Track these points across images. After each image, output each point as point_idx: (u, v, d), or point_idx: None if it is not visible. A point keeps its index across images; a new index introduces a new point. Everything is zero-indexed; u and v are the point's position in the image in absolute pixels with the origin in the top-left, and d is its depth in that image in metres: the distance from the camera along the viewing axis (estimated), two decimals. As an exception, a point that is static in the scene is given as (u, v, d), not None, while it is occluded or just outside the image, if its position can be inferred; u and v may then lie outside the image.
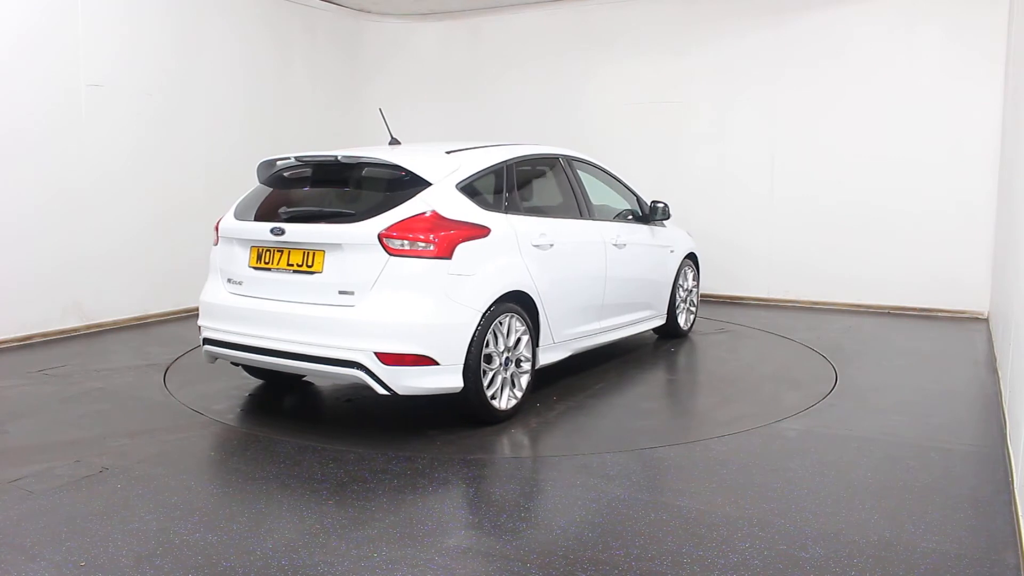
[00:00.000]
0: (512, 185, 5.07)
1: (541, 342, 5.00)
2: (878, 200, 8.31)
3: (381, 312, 4.23)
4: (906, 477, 3.86)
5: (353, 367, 4.25)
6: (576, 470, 3.95)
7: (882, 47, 8.18)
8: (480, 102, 10.26)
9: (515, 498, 3.65)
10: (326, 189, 4.88)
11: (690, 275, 7.11)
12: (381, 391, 4.24)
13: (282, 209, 4.73)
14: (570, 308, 5.30)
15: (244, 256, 4.73)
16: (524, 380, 4.83)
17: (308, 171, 4.97)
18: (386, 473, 3.98)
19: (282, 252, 4.56)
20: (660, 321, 6.68)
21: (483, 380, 4.48)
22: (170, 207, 7.82)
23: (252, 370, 5.42)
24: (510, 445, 4.42)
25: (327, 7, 9.73)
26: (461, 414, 4.64)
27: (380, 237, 4.26)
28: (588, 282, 5.52)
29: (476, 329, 4.42)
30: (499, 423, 4.64)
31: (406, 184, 4.52)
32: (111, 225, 7.38)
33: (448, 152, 4.95)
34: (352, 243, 4.32)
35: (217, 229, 4.95)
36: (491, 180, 4.96)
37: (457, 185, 4.63)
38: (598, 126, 9.59)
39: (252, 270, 4.68)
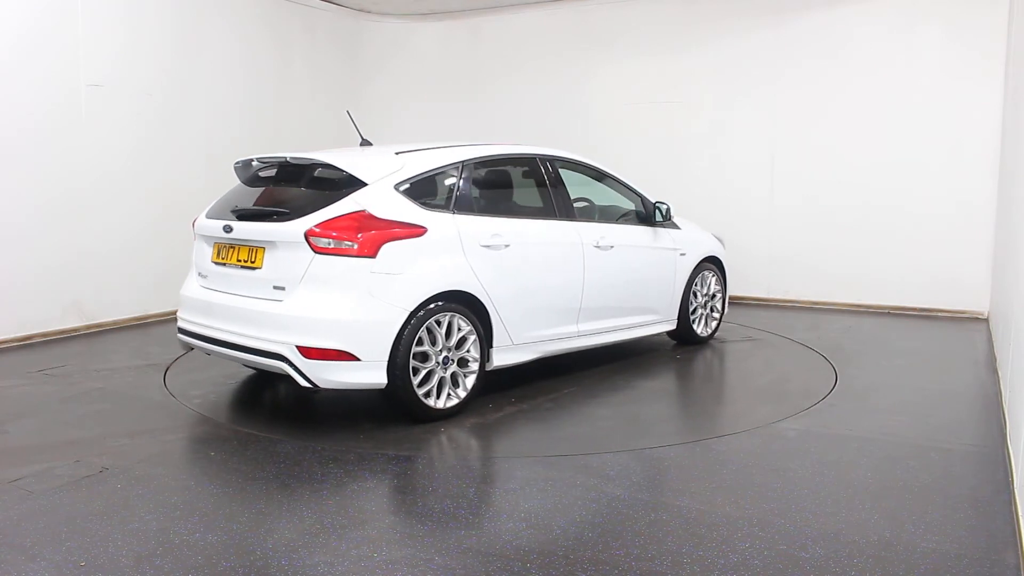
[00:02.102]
0: (465, 185, 5.06)
1: (496, 343, 4.99)
2: (878, 200, 8.31)
3: (304, 307, 4.40)
4: (906, 477, 3.86)
5: (278, 359, 4.43)
6: (576, 470, 3.95)
7: (882, 47, 8.18)
8: (480, 102, 10.26)
9: (515, 499, 3.65)
10: (277, 188, 5.07)
11: (711, 280, 6.81)
12: (303, 383, 4.39)
13: (234, 207, 4.96)
14: (534, 310, 5.22)
15: (209, 252, 5.01)
16: (470, 380, 4.83)
17: (266, 171, 5.18)
18: (386, 473, 3.99)
19: (234, 248, 4.82)
20: (667, 326, 6.47)
21: (414, 378, 4.54)
22: (170, 207, 7.81)
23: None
24: (449, 444, 4.44)
25: (327, 7, 9.73)
26: (394, 410, 4.72)
27: (306, 235, 4.43)
28: (558, 284, 5.40)
29: (403, 327, 4.47)
30: (434, 421, 4.66)
31: (343, 184, 4.67)
32: (111, 225, 7.38)
33: (398, 153, 5.01)
34: (284, 241, 4.52)
35: (194, 226, 5.21)
36: (440, 180, 4.98)
37: (396, 185, 4.71)
38: (598, 126, 9.59)
39: (214, 265, 4.95)
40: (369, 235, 4.43)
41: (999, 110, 7.67)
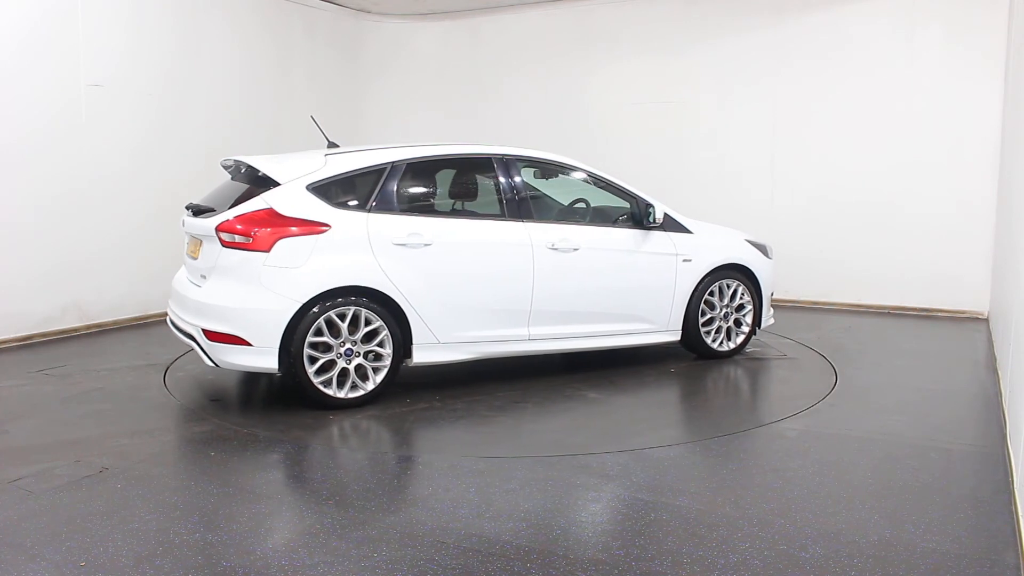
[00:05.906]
0: (389, 185, 5.13)
1: (416, 340, 5.08)
2: (878, 200, 8.31)
3: (210, 295, 4.86)
4: (906, 477, 3.86)
5: (191, 339, 4.96)
6: (576, 470, 3.95)
7: (882, 47, 8.18)
8: (480, 102, 10.26)
9: (515, 499, 3.65)
10: (229, 187, 5.36)
11: (736, 290, 6.18)
12: (208, 363, 4.86)
13: (190, 204, 5.39)
14: (463, 310, 5.18)
15: (185, 244, 5.51)
16: (380, 374, 4.95)
17: (235, 171, 5.50)
18: (386, 473, 3.99)
19: (190, 241, 5.29)
20: (667, 337, 5.97)
21: (310, 366, 4.77)
22: (170, 207, 7.78)
23: None
24: (340, 436, 4.50)
25: (327, 7, 9.73)
26: (294, 396, 4.98)
27: (216, 230, 4.84)
28: (496, 285, 5.30)
29: (295, 318, 4.72)
30: (335, 410, 4.82)
31: (260, 184, 5.03)
32: (111, 225, 7.38)
33: (326, 154, 5.25)
34: (205, 235, 4.97)
35: None
36: (360, 181, 5.12)
37: (309, 185, 4.97)
38: (598, 126, 9.59)
39: (185, 256, 5.42)
40: (265, 231, 4.75)
41: (999, 110, 7.67)
